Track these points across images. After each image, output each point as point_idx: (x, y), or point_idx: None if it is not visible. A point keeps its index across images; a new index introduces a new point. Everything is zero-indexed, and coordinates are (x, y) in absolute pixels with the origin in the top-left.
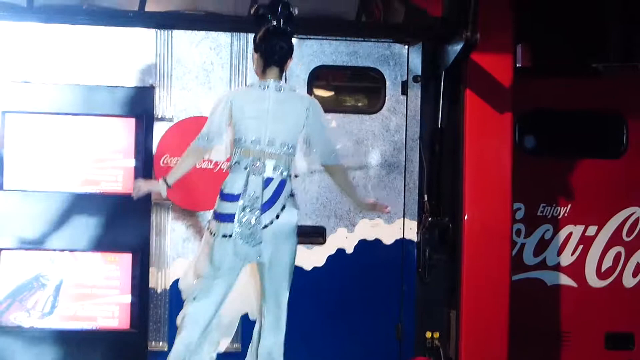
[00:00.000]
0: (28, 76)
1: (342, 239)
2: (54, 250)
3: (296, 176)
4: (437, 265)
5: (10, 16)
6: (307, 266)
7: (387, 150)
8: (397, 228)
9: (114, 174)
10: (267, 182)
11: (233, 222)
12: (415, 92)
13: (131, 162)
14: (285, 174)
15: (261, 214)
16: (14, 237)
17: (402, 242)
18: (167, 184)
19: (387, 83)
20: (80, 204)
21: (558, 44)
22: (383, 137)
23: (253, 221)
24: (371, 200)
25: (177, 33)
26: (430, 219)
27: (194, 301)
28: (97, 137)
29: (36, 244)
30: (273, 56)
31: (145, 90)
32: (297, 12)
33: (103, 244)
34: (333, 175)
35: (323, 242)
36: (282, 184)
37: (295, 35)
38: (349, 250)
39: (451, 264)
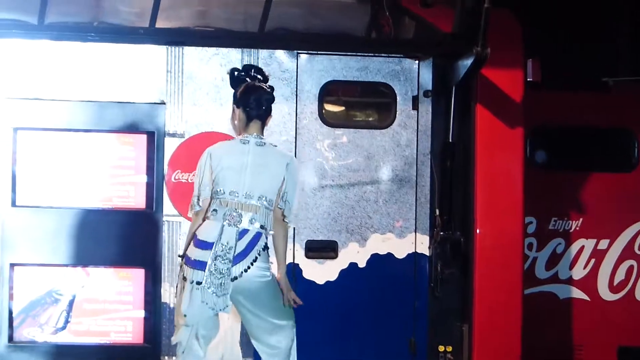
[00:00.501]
0: (39, 93)
1: (354, 254)
2: (67, 265)
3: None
4: (449, 280)
5: (21, 34)
6: (320, 280)
7: (398, 165)
8: (409, 242)
9: (126, 189)
10: (242, 233)
11: (204, 270)
12: (426, 107)
13: (143, 178)
14: (261, 226)
15: (232, 265)
16: (27, 252)
17: (414, 257)
18: (180, 257)
19: (398, 98)
20: (92, 219)
21: (568, 59)
22: (394, 152)
23: (223, 271)
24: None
25: (187, 49)
26: (442, 233)
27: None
28: (109, 153)
29: (49, 260)
30: (259, 109)
31: (156, 107)
32: (268, 74)
33: (116, 259)
34: (279, 231)
35: (335, 256)
36: (257, 237)
37: (306, 51)
38: (361, 264)
39: (463, 278)
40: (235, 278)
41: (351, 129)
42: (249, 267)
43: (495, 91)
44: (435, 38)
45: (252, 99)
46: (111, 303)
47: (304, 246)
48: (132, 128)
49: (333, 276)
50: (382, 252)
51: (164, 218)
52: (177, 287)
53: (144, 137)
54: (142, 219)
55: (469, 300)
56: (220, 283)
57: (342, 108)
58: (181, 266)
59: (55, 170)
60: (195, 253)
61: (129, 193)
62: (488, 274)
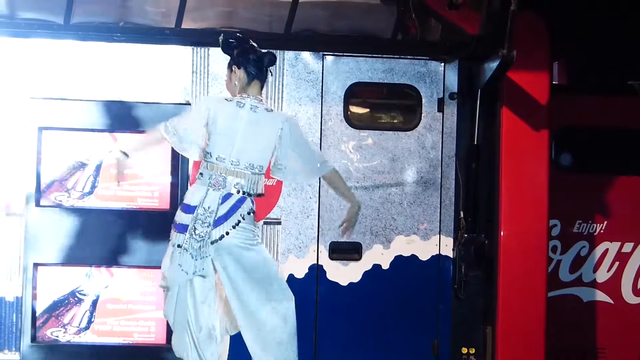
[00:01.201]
0: (64, 93)
1: (378, 255)
2: (91, 266)
3: (260, 195)
4: (473, 282)
5: (47, 34)
6: (343, 282)
7: (423, 167)
8: (433, 244)
9: (150, 190)
10: (225, 197)
11: (184, 232)
12: (452, 109)
13: (167, 179)
14: (246, 192)
15: (212, 228)
16: (51, 252)
17: (438, 259)
18: (126, 155)
19: (423, 100)
20: (116, 219)
21: (594, 62)
22: (419, 154)
23: (203, 234)
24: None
25: (213, 50)
26: (466, 235)
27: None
28: (133, 153)
29: (72, 260)
30: (260, 68)
31: (182, 107)
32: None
33: (139, 259)
34: (329, 183)
35: (359, 258)
36: (241, 201)
37: (332, 53)
38: (385, 266)
39: (487, 280)
40: (215, 241)
41: (376, 130)
42: (229, 231)
43: (521, 94)
44: (461, 40)
45: (253, 57)
46: (135, 303)
47: (328, 248)
48: None
49: (357, 278)
50: (406, 254)
51: None
52: None
53: None
54: (167, 219)
55: (493, 303)
56: (199, 246)
57: (367, 110)
58: None
59: (79, 170)
60: (180, 217)
61: (154, 193)
62: (512, 276)
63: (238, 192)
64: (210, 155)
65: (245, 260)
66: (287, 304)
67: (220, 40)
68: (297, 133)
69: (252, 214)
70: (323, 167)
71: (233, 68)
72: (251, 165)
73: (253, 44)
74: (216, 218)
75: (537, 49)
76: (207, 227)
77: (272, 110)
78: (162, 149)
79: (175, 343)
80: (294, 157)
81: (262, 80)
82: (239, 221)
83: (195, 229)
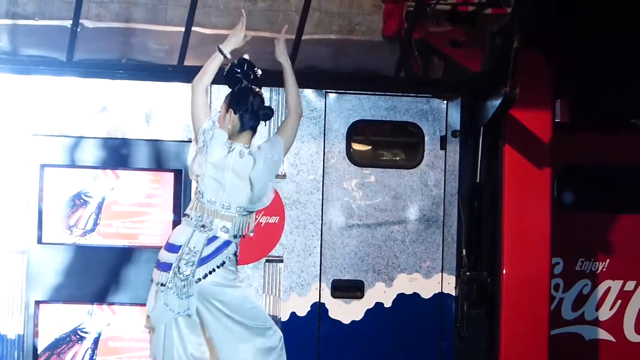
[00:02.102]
0: (66, 130)
1: (381, 293)
2: (92, 303)
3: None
4: (476, 320)
5: (50, 71)
6: (346, 320)
7: (426, 205)
8: (435, 282)
9: (153, 227)
10: (211, 239)
11: (167, 271)
12: (454, 147)
13: (169, 216)
14: (232, 235)
15: (196, 267)
16: (52, 290)
17: (440, 297)
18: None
19: (426, 138)
20: (118, 257)
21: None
22: (422, 191)
23: (187, 274)
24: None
25: (215, 87)
26: (468, 273)
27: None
28: (136, 190)
29: (74, 297)
30: (255, 121)
31: (183, 145)
32: (260, 73)
33: (141, 297)
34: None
35: (361, 296)
36: (226, 244)
37: (335, 90)
38: (387, 304)
39: (489, 318)
40: (199, 280)
41: (379, 168)
42: (214, 270)
43: (524, 132)
44: (463, 78)
45: (251, 108)
46: (137, 341)
47: (330, 285)
48: (159, 166)
49: (359, 316)
50: (409, 292)
51: None
52: None
53: (171, 175)
54: None
55: (495, 341)
56: (183, 285)
57: (370, 147)
58: None
59: (81, 207)
60: (163, 255)
61: (156, 231)
62: (514, 314)
63: (225, 234)
64: (202, 196)
65: (229, 297)
66: (273, 341)
67: (227, 68)
68: (263, 158)
69: (235, 257)
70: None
71: (229, 110)
72: (242, 207)
73: (256, 89)
74: (201, 257)
75: (539, 87)
76: (192, 266)
77: (259, 148)
78: (164, 187)
79: None
80: (267, 184)
81: (255, 130)
82: (224, 262)
83: (179, 267)
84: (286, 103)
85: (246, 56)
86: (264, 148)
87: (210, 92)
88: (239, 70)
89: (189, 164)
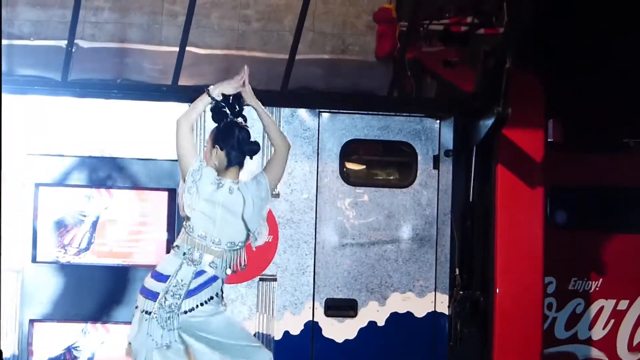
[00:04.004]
0: (61, 149)
1: (374, 312)
2: (86, 322)
3: (234, 271)
4: (469, 339)
5: (45, 91)
6: (339, 339)
7: (419, 224)
8: (428, 301)
9: (146, 246)
10: (199, 274)
11: (155, 301)
12: (447, 166)
13: (163, 235)
14: (220, 271)
15: (183, 300)
16: (47, 308)
17: (433, 316)
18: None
19: (419, 157)
20: (112, 276)
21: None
22: (415, 211)
23: (173, 306)
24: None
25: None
26: (461, 292)
27: None
28: (130, 209)
29: (68, 316)
30: (241, 157)
31: (177, 164)
32: (245, 103)
33: None
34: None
35: (355, 315)
36: (212, 279)
37: (328, 110)
38: (381, 323)
39: (483, 337)
40: (185, 312)
41: (372, 187)
42: (201, 304)
43: (516, 151)
44: (456, 98)
45: (237, 144)
46: None
47: (323, 304)
48: (153, 185)
49: (352, 334)
50: (402, 311)
51: None
52: None
53: (165, 194)
54: None
55: None
56: (169, 317)
57: (363, 167)
58: None
59: (76, 226)
60: (149, 283)
61: (150, 249)
62: (508, 333)
63: (212, 270)
64: (192, 230)
65: (214, 326)
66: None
67: (212, 106)
68: (251, 197)
69: (221, 297)
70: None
71: (215, 146)
72: (232, 242)
73: (242, 123)
74: (188, 290)
75: (531, 107)
76: (178, 298)
77: (245, 183)
78: (157, 206)
79: None
80: (260, 222)
81: (242, 165)
82: (212, 297)
83: (165, 299)
84: (270, 141)
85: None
86: (250, 186)
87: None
88: (224, 105)
89: (178, 202)
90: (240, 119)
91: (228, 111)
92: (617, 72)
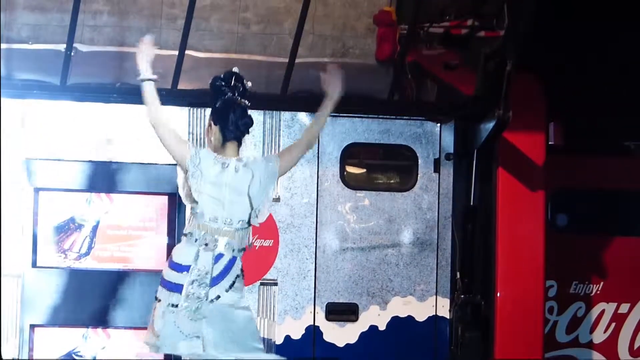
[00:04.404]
0: (61, 154)
1: (375, 316)
2: (87, 327)
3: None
4: (470, 343)
5: (44, 95)
6: (340, 343)
7: (420, 228)
8: (429, 305)
9: (147, 250)
10: (218, 257)
11: (180, 293)
12: (448, 170)
13: (163, 239)
14: (236, 251)
15: (210, 288)
16: (47, 313)
17: (434, 320)
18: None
19: (420, 161)
20: (112, 281)
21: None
22: (415, 215)
23: (201, 295)
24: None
25: (209, 111)
26: (462, 296)
27: None
28: (130, 214)
29: (69, 321)
30: (236, 132)
31: (177, 168)
32: (250, 85)
33: (136, 320)
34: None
35: (356, 319)
36: (232, 261)
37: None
38: (382, 327)
39: (484, 341)
40: (212, 301)
41: (373, 191)
42: (226, 291)
43: (517, 154)
44: (457, 101)
45: (231, 119)
46: None
47: (324, 309)
48: (153, 189)
49: (353, 339)
50: (403, 315)
51: None
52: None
53: (165, 198)
54: None
55: None
56: (197, 307)
57: (364, 170)
58: None
59: (76, 231)
60: (170, 275)
61: (150, 254)
62: (509, 337)
63: (229, 251)
64: (203, 216)
65: (238, 320)
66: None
67: (210, 80)
68: (259, 174)
69: (242, 274)
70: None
71: (211, 123)
72: (243, 221)
73: (239, 100)
74: (212, 278)
75: (532, 110)
76: (205, 287)
77: (253, 159)
78: (158, 210)
79: None
80: (264, 201)
81: (239, 142)
82: (234, 281)
83: (192, 290)
84: (307, 128)
85: (235, 69)
86: (259, 163)
87: (205, 115)
88: (223, 83)
89: (180, 192)
90: (240, 98)
91: (227, 90)
92: (617, 75)
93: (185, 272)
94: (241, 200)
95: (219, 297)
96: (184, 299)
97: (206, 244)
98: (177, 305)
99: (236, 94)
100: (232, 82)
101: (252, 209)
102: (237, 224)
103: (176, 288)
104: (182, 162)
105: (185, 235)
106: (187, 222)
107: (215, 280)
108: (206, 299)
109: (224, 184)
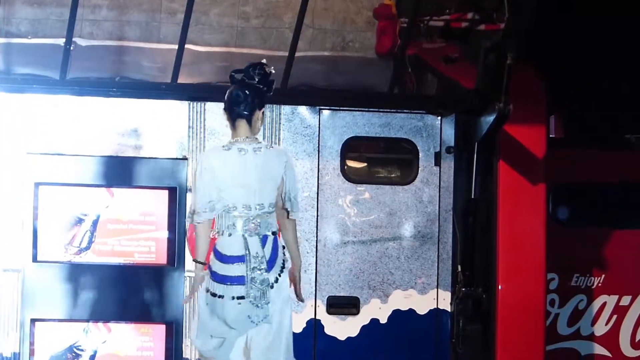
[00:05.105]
0: (61, 148)
1: (376, 310)
2: (88, 321)
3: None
4: (471, 336)
5: (43, 89)
6: (341, 336)
7: (421, 221)
8: (430, 298)
9: (147, 245)
10: (264, 240)
11: (243, 283)
12: (449, 163)
13: (164, 234)
14: (272, 230)
15: (267, 272)
16: (48, 308)
17: (435, 313)
18: (200, 262)
19: (420, 154)
20: (113, 275)
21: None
22: (416, 208)
23: (263, 281)
24: (297, 281)
25: (209, 105)
26: (464, 289)
27: None
28: (131, 208)
29: (70, 315)
30: (237, 107)
31: (178, 162)
32: (272, 70)
33: (137, 315)
34: (288, 226)
35: (357, 312)
36: (275, 242)
37: (328, 107)
38: (383, 320)
39: (485, 334)
40: (272, 286)
41: (373, 185)
42: (280, 273)
43: (518, 148)
44: (457, 94)
45: (227, 97)
46: (132, 359)
47: (325, 302)
48: (154, 183)
49: (355, 332)
50: (404, 308)
51: (185, 274)
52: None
53: (165, 192)
54: (164, 274)
55: (491, 357)
56: (262, 293)
57: (365, 164)
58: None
59: (76, 225)
60: (225, 269)
61: (150, 248)
62: (510, 330)
63: (268, 232)
64: (235, 208)
65: (286, 310)
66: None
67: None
68: (294, 168)
69: (284, 254)
70: (298, 208)
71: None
72: (271, 204)
73: (247, 82)
74: (267, 261)
75: (533, 103)
76: (265, 271)
77: (271, 147)
78: (158, 204)
79: None
80: (292, 191)
81: (247, 117)
82: (284, 261)
83: (253, 277)
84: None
85: (264, 60)
86: (273, 155)
87: (205, 109)
88: (242, 73)
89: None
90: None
91: (242, 76)
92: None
93: (241, 263)
94: (267, 180)
95: (277, 279)
96: (249, 287)
97: (249, 229)
98: (243, 297)
99: (255, 80)
100: (250, 71)
101: (287, 192)
102: (268, 205)
103: (237, 280)
104: (202, 198)
105: (220, 233)
106: (216, 223)
107: (270, 264)
108: (268, 284)
109: (247, 168)
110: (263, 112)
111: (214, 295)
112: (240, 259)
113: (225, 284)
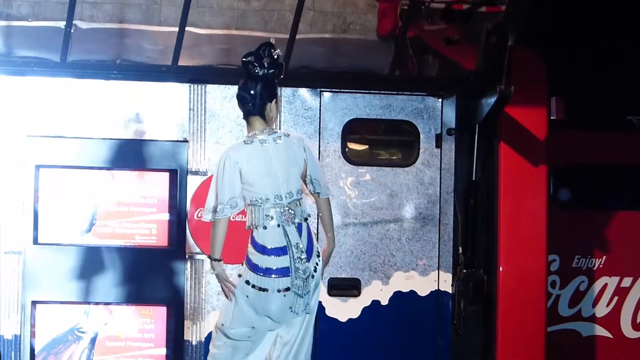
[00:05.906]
0: (62, 131)
1: (377, 291)
2: (89, 303)
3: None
4: (472, 317)
5: (44, 72)
6: (342, 318)
7: (422, 203)
8: (432, 280)
9: (148, 227)
10: (299, 227)
11: (288, 275)
12: (450, 145)
13: (165, 216)
14: (304, 217)
15: (307, 261)
16: (49, 290)
17: (437, 294)
18: (217, 259)
19: (421, 136)
20: (114, 257)
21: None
22: (417, 190)
23: (306, 270)
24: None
25: (210, 87)
26: (465, 271)
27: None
28: (131, 190)
29: (71, 298)
30: (247, 105)
31: (179, 145)
32: (280, 53)
33: (138, 297)
34: (322, 206)
35: (358, 294)
36: (308, 228)
37: (329, 89)
38: (384, 301)
39: (486, 315)
40: (313, 276)
41: (374, 167)
42: (318, 259)
43: (519, 129)
44: (458, 76)
45: (238, 95)
46: (133, 341)
47: (326, 284)
48: (154, 166)
49: (356, 314)
50: (405, 289)
51: (187, 256)
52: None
53: (166, 175)
54: (165, 256)
55: (492, 338)
56: (305, 283)
57: (366, 146)
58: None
59: (77, 208)
60: (269, 261)
61: (152, 231)
62: (511, 311)
63: (304, 220)
64: (268, 199)
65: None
66: None
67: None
68: (313, 152)
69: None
70: (328, 188)
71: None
72: (298, 191)
73: (254, 72)
74: (305, 249)
75: (534, 84)
76: (305, 262)
77: (288, 135)
78: (159, 186)
79: None
80: (315, 175)
81: (259, 113)
82: (319, 250)
83: (297, 268)
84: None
85: (272, 40)
86: (295, 145)
87: (205, 92)
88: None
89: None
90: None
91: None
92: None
93: (285, 255)
94: (292, 167)
95: (315, 267)
96: (294, 278)
97: (286, 219)
98: (288, 288)
99: (265, 65)
100: (260, 52)
101: (312, 176)
102: (296, 193)
103: (282, 272)
104: (224, 195)
105: (256, 227)
106: (248, 218)
107: (308, 251)
108: (309, 273)
109: (271, 159)
110: (276, 101)
111: (259, 289)
112: (283, 250)
113: (270, 277)
